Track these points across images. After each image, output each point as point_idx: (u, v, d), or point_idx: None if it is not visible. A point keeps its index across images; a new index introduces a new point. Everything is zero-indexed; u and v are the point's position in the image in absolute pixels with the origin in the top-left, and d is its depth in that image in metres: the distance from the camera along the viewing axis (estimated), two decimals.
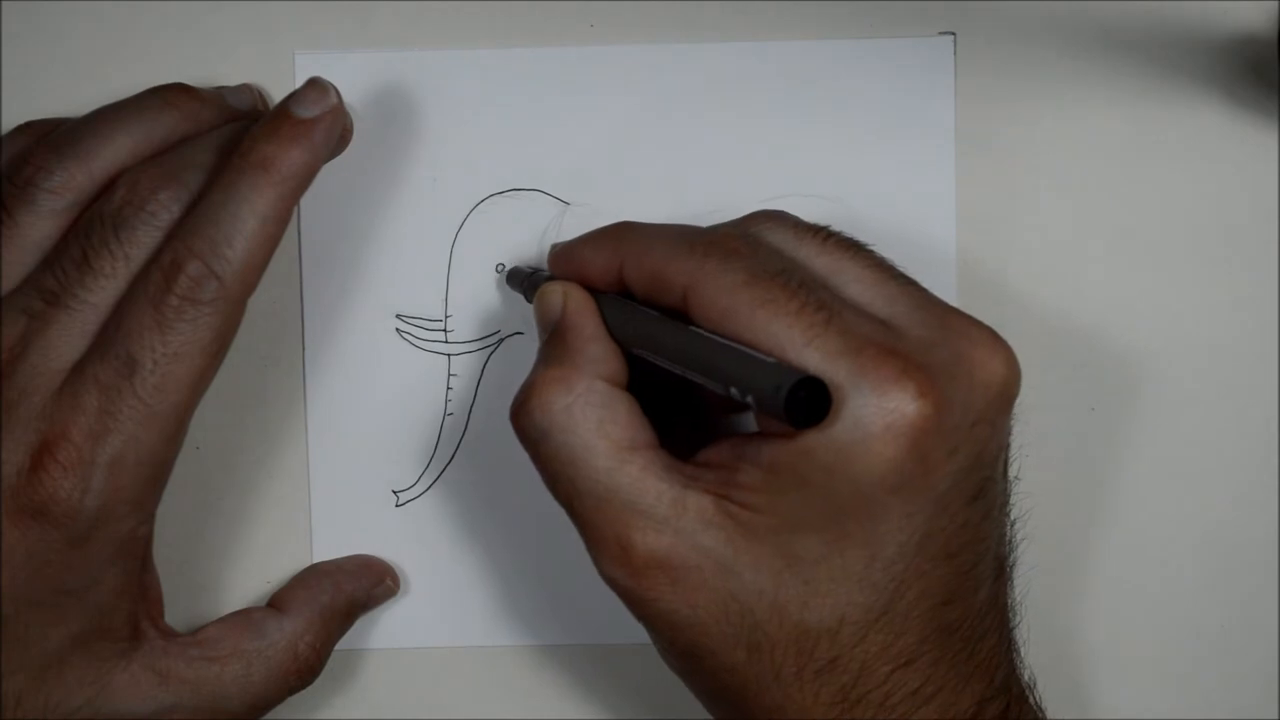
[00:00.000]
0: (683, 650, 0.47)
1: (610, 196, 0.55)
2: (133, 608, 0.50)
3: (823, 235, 0.47)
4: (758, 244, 0.47)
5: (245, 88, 0.54)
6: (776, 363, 0.44)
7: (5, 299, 0.49)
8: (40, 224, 0.49)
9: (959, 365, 0.45)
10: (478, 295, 0.55)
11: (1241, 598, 0.55)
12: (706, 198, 0.54)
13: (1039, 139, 0.54)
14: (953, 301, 0.52)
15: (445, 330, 0.55)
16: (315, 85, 0.50)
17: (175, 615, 0.52)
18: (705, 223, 0.50)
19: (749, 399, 0.44)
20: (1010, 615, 0.48)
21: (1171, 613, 0.55)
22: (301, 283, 0.55)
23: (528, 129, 0.55)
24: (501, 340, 0.55)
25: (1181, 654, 0.55)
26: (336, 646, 0.54)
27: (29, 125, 0.53)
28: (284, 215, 0.49)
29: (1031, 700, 0.49)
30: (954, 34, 0.54)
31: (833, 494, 0.44)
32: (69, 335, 0.48)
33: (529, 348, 0.55)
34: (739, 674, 0.46)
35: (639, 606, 0.47)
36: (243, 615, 0.53)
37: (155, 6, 0.55)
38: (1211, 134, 0.54)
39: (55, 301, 0.48)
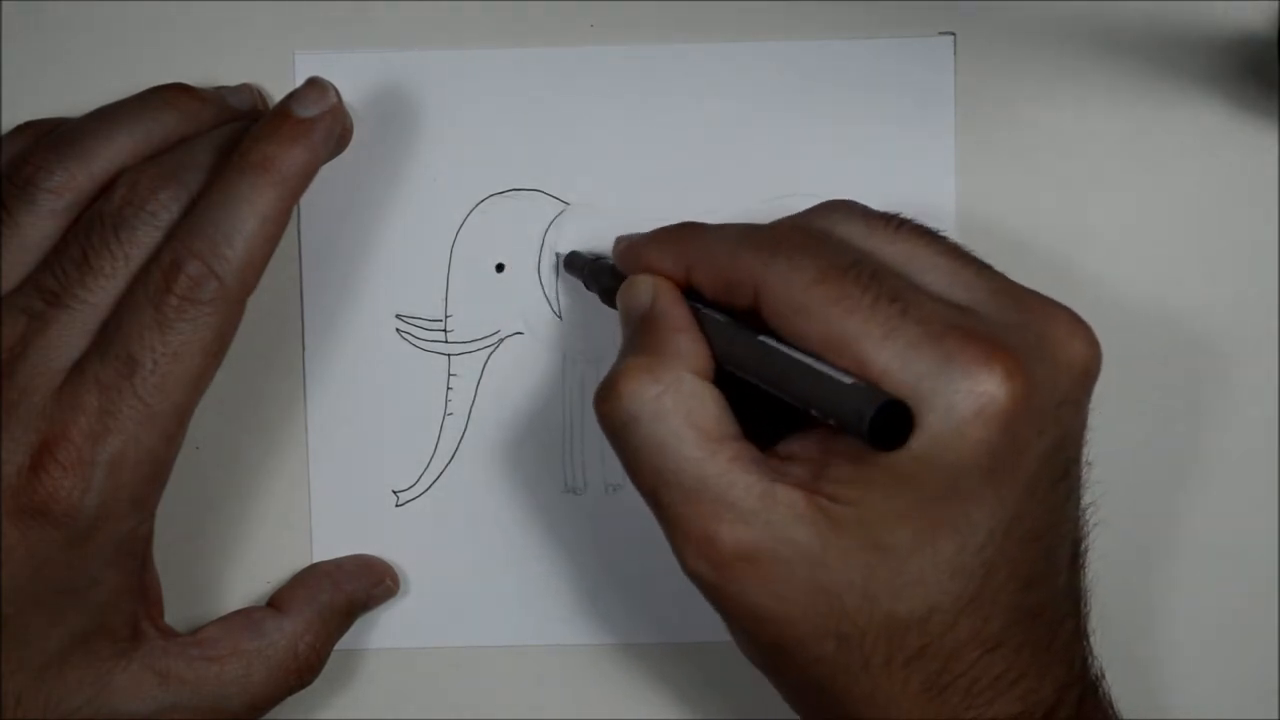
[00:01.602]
0: (769, 644, 0.46)
1: (610, 196, 0.55)
2: (133, 607, 0.50)
3: (895, 223, 0.47)
4: (827, 237, 0.46)
5: (245, 88, 0.54)
6: (854, 383, 0.43)
7: (5, 299, 0.49)
8: (40, 224, 0.49)
9: (1042, 346, 0.44)
10: (478, 295, 0.55)
11: (1241, 597, 0.55)
12: (706, 198, 0.54)
13: (1039, 139, 0.54)
14: None
15: (445, 330, 0.55)
16: (315, 85, 0.50)
17: (175, 615, 0.52)
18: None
19: (830, 421, 0.43)
20: (1084, 602, 0.48)
21: (1171, 613, 0.55)
22: (301, 283, 0.55)
23: (528, 129, 0.55)
24: (501, 340, 0.55)
25: (1182, 654, 0.55)
26: (336, 646, 0.54)
27: (29, 125, 0.53)
28: (284, 215, 0.49)
29: (1102, 690, 0.48)
30: (954, 34, 0.54)
31: (926, 483, 0.43)
32: (69, 335, 0.48)
33: (529, 348, 0.55)
34: (827, 665, 0.45)
35: (724, 600, 0.46)
36: (243, 615, 0.53)
37: (155, 6, 0.55)
38: (1211, 134, 0.54)
39: (55, 301, 0.48)
